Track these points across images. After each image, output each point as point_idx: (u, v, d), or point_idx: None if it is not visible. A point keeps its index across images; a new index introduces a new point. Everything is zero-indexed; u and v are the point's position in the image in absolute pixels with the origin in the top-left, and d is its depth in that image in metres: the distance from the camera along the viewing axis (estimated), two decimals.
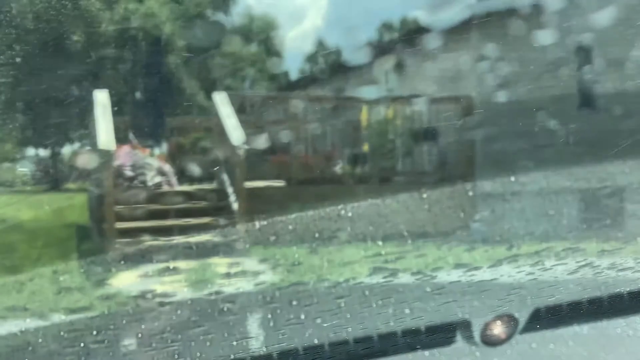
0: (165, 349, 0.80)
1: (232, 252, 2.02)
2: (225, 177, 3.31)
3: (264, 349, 0.83)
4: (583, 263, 0.93)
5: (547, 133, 3.97)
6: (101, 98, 3.57)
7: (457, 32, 4.62)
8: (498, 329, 0.89)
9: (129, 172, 3.23)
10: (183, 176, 3.82)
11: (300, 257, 0.88)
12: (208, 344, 0.80)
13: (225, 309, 0.83)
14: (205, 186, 3.44)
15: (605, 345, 0.92)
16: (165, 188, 3.48)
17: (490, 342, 0.89)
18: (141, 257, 1.54)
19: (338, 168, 3.96)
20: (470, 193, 3.12)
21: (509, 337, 0.89)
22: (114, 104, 3.81)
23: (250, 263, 1.55)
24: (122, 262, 1.61)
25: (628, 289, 0.90)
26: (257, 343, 0.83)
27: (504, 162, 3.64)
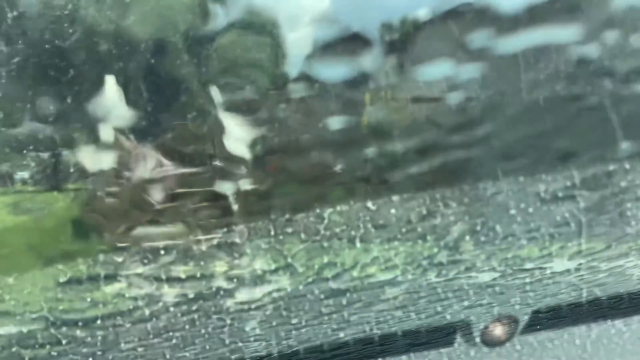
0: (165, 348, 0.79)
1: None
2: None
3: (264, 349, 0.83)
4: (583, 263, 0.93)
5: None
6: None
7: None
8: (498, 330, 0.89)
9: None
10: None
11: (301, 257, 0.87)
12: (208, 346, 0.80)
13: (225, 308, 0.83)
14: None
15: (605, 345, 0.92)
16: None
17: (490, 342, 0.89)
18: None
19: None
20: None
21: (509, 337, 0.89)
22: None
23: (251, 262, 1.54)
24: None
25: (628, 290, 0.90)
26: (257, 343, 0.83)
27: None
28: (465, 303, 0.87)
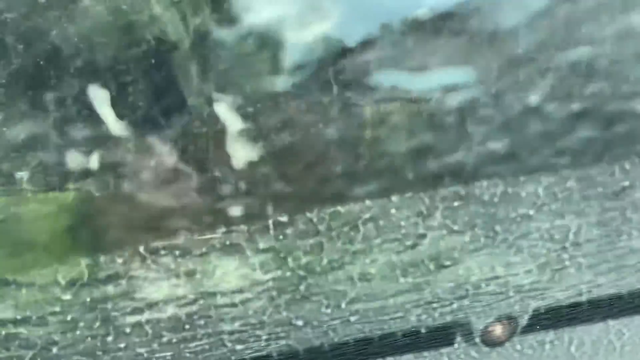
0: (165, 348, 0.79)
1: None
2: None
3: (264, 350, 0.83)
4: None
5: None
6: None
7: None
8: (498, 330, 0.89)
9: None
10: None
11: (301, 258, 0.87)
12: (207, 346, 0.80)
13: (225, 309, 0.83)
14: None
15: (605, 345, 0.92)
16: None
17: (490, 342, 0.89)
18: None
19: None
20: None
21: (508, 338, 0.89)
22: None
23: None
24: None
25: (628, 290, 0.90)
26: (257, 344, 0.83)
27: None
28: (465, 303, 0.87)
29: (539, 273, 0.87)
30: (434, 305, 0.86)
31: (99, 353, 0.78)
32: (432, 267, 0.83)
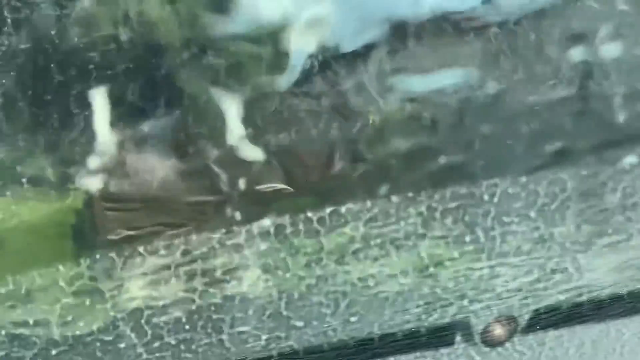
0: (164, 349, 0.79)
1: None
2: None
3: (264, 350, 0.83)
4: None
5: None
6: None
7: None
8: (498, 330, 0.89)
9: None
10: None
11: (301, 258, 0.87)
12: (207, 346, 0.80)
13: (225, 309, 0.83)
14: None
15: (605, 345, 0.92)
16: None
17: (490, 342, 0.89)
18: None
19: None
20: None
21: (508, 337, 0.89)
22: None
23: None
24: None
25: (628, 289, 0.90)
26: (256, 344, 0.83)
27: None
28: (465, 303, 0.87)
29: (538, 273, 0.87)
30: (434, 305, 0.86)
31: (99, 353, 0.78)
32: (432, 267, 0.83)
